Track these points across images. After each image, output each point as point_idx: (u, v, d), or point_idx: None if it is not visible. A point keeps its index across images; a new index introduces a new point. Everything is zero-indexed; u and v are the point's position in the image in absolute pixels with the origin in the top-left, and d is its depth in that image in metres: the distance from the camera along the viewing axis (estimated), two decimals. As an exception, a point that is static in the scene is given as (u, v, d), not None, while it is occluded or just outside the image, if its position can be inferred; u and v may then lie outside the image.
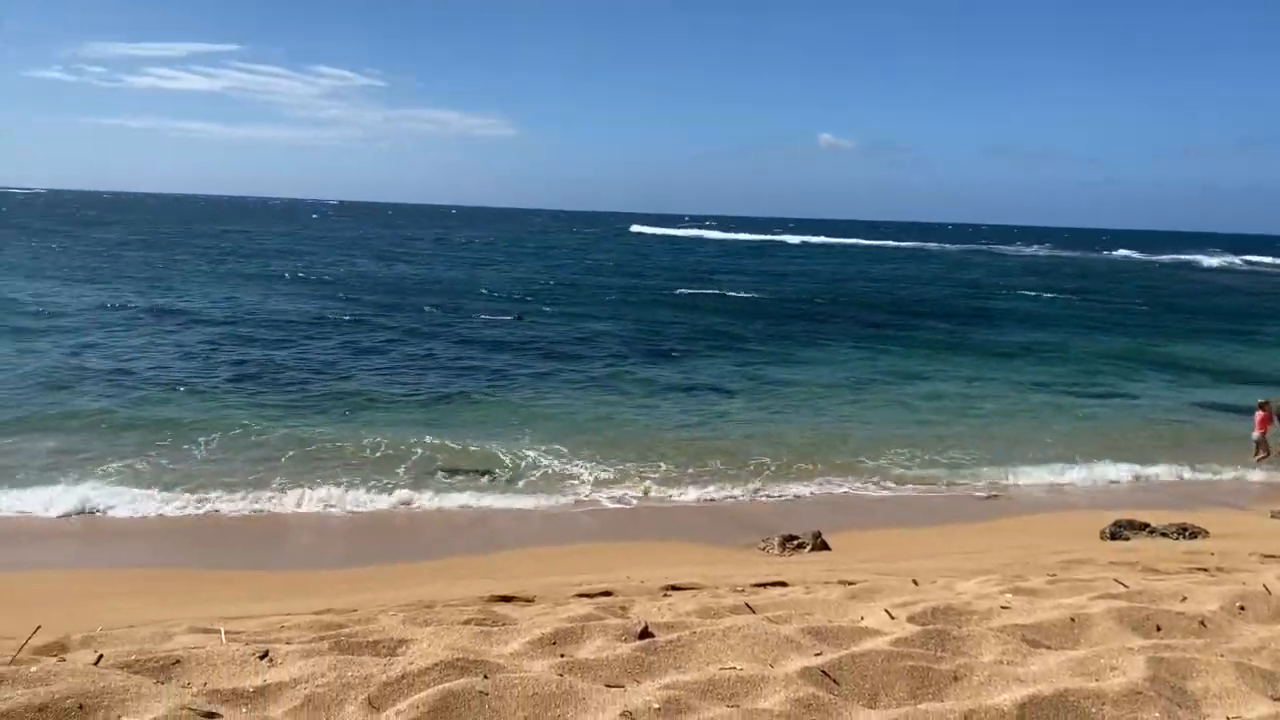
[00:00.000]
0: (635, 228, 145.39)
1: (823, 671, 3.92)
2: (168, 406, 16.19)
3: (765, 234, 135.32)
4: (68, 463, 12.51)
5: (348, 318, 29.65)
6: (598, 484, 13.01)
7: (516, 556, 10.50)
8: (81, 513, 10.39)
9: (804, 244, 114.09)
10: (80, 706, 3.63)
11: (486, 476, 13.09)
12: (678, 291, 42.82)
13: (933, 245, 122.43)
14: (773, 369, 23.22)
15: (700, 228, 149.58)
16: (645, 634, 4.50)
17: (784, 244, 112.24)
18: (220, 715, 3.60)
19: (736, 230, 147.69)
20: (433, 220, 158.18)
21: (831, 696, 3.72)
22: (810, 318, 34.74)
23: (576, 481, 13.06)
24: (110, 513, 10.55)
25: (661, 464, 13.95)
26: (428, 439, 14.94)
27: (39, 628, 4.92)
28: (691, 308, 37.08)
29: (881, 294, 46.83)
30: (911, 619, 4.75)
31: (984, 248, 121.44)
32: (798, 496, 12.98)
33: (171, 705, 3.62)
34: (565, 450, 14.48)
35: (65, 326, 25.02)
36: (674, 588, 7.51)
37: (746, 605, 5.26)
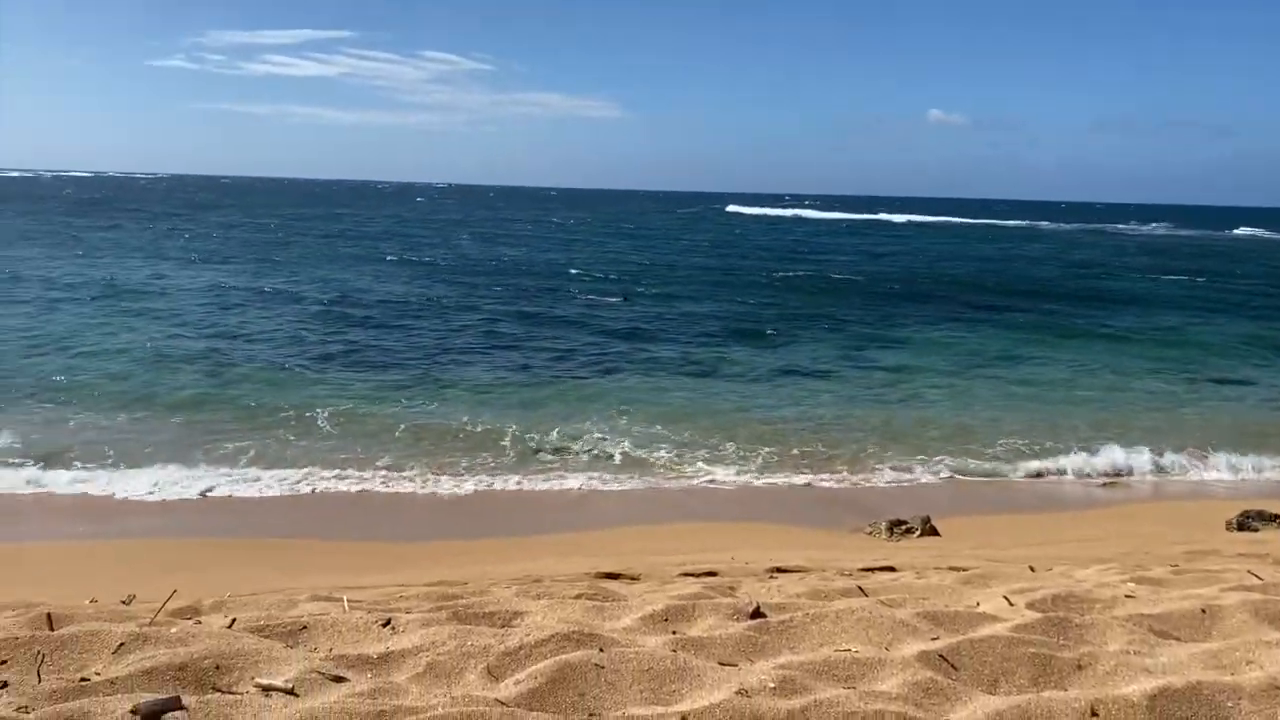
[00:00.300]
0: (731, 207, 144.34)
1: (940, 656, 3.86)
2: (276, 386, 16.74)
3: (867, 213, 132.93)
4: (186, 441, 13.04)
5: (450, 299, 30.21)
6: (698, 466, 13.02)
7: (619, 535, 10.59)
8: (204, 493, 10.83)
9: (908, 223, 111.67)
10: (217, 667, 3.80)
11: (587, 456, 13.22)
12: (776, 273, 42.42)
13: (1044, 224, 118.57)
14: (875, 351, 22.87)
15: (800, 207, 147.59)
16: (757, 614, 4.50)
17: (887, 223, 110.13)
18: (348, 679, 3.73)
19: (838, 209, 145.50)
20: (534, 202, 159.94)
21: (950, 681, 3.66)
22: (913, 298, 34.08)
23: (677, 463, 13.09)
24: (227, 489, 10.97)
25: (762, 446, 13.88)
26: (530, 419, 15.14)
27: (175, 592, 5.16)
28: (790, 289, 36.72)
29: (988, 274, 45.59)
30: (1031, 605, 4.64)
31: (1097, 226, 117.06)
32: (903, 481, 12.77)
33: (301, 668, 3.76)
34: (666, 432, 14.52)
35: (180, 307, 26.07)
36: (780, 570, 7.49)
37: (859, 589, 5.20)
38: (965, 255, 59.23)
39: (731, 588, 5.61)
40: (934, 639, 4.15)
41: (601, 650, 3.85)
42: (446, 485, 11.68)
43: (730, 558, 8.41)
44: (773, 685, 3.55)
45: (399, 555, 9.48)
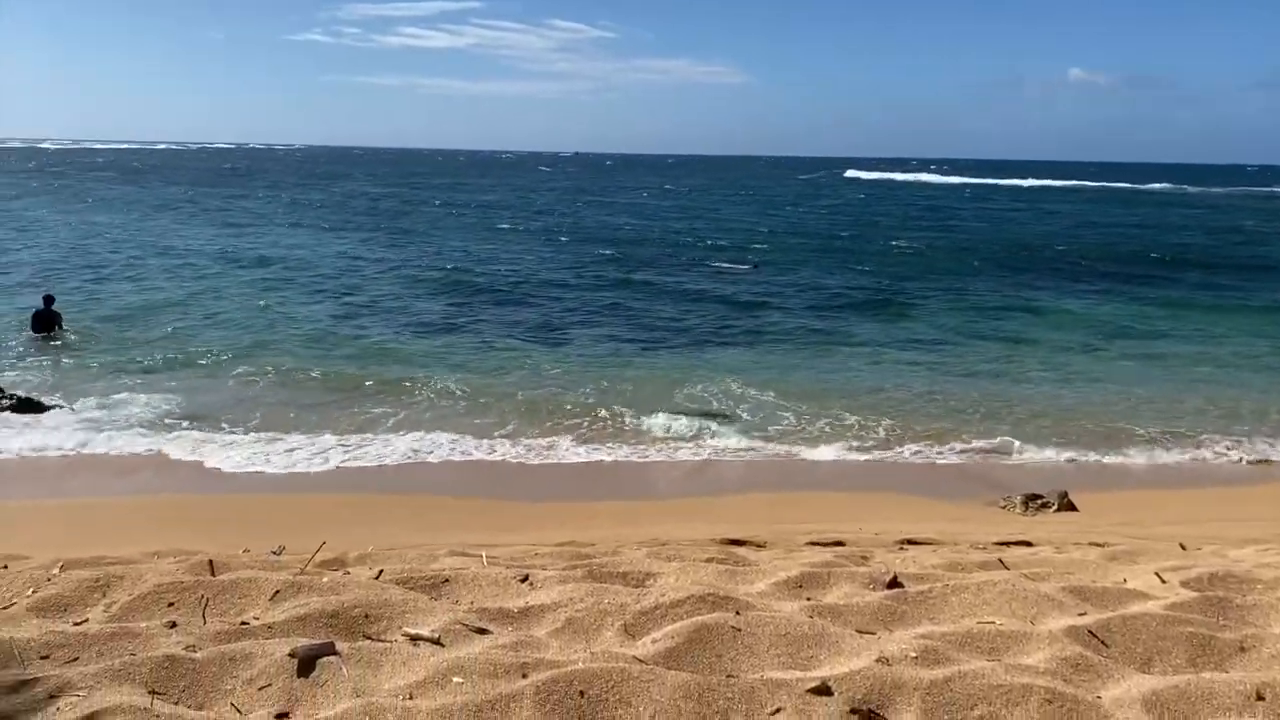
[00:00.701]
0: (850, 172, 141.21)
1: (1090, 632, 3.73)
2: (401, 354, 17.20)
3: (998, 177, 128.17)
4: (321, 406, 13.51)
5: (571, 268, 30.52)
6: (819, 436, 12.86)
7: (742, 502, 10.56)
8: (341, 456, 11.23)
9: (1043, 187, 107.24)
10: (366, 616, 3.95)
11: (712, 423, 13.20)
12: (899, 240, 41.35)
13: (1190, 188, 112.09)
14: (1002, 322, 22.12)
15: (924, 171, 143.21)
16: (894, 583, 4.43)
17: (1015, 187, 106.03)
18: (490, 632, 3.83)
19: (968, 174, 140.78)
20: (654, 170, 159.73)
21: (1100, 658, 3.54)
22: (1043, 267, 32.75)
23: (798, 433, 12.95)
24: (361, 452, 11.35)
25: (885, 418, 13.60)
26: (650, 387, 15.20)
27: (324, 543, 5.37)
28: (913, 256, 35.81)
29: (1126, 241, 43.49)
30: (1185, 584, 4.44)
31: (1254, 190, 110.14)
32: (1035, 456, 12.35)
33: (446, 620, 3.88)
34: (786, 402, 14.37)
35: (311, 276, 26.98)
36: (910, 542, 7.36)
37: (1000, 561, 5.07)
38: (1102, 221, 56.62)
39: (864, 557, 5.53)
40: (1081, 614, 4.02)
41: (738, 613, 3.85)
42: (567, 452, 11.84)
43: (858, 528, 8.31)
44: (914, 654, 3.50)
45: (526, 516, 9.68)
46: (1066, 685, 3.29)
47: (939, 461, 12.08)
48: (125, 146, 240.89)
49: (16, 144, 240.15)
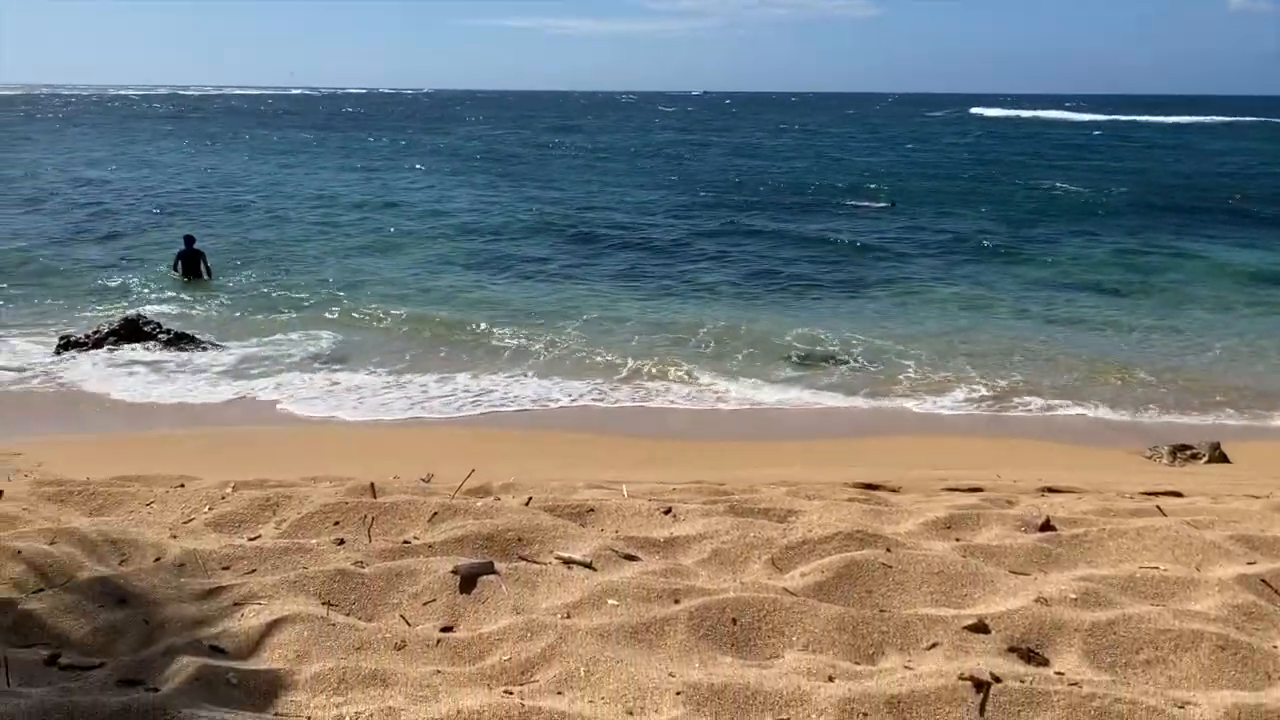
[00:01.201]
0: (976, 109, 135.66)
1: (1262, 580, 3.58)
2: (514, 300, 17.35)
3: (1148, 113, 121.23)
4: (452, 349, 13.81)
5: (704, 207, 30.32)
6: (946, 385, 12.52)
7: (869, 447, 10.43)
8: (476, 394, 11.50)
9: (1196, 124, 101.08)
10: (519, 539, 4.07)
11: (843, 367, 13.03)
12: (1032, 181, 39.62)
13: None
14: (1148, 274, 20.88)
15: (1061, 109, 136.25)
16: (1047, 526, 4.34)
17: (1162, 124, 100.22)
18: (640, 559, 3.90)
19: (1109, 110, 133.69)
20: (781, 108, 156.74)
21: (1275, 607, 3.40)
22: (1197, 211, 30.90)
23: (924, 381, 12.64)
24: (493, 393, 11.57)
25: (1014, 369, 13.15)
26: (787, 328, 15.06)
27: (473, 471, 5.55)
28: (1050, 197, 34.34)
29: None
30: (1365, 537, 4.21)
31: None
32: (1180, 407, 11.80)
33: (596, 545, 3.97)
34: (913, 349, 14.04)
35: (434, 220, 27.46)
36: (1052, 490, 7.16)
37: (1157, 508, 4.89)
38: (1261, 162, 53.03)
39: (1009, 502, 5.41)
40: (1250, 563, 3.86)
41: (888, 550, 3.83)
42: (686, 397, 11.85)
43: (995, 476, 8.11)
44: (1074, 596, 3.43)
45: (651, 455, 9.76)
46: (1239, 633, 3.17)
47: (1073, 413, 11.67)
48: (259, 92, 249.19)
49: (163, 90, 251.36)
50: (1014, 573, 3.74)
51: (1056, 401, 11.84)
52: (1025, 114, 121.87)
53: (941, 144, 66.47)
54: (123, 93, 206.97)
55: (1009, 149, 61.99)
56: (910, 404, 11.86)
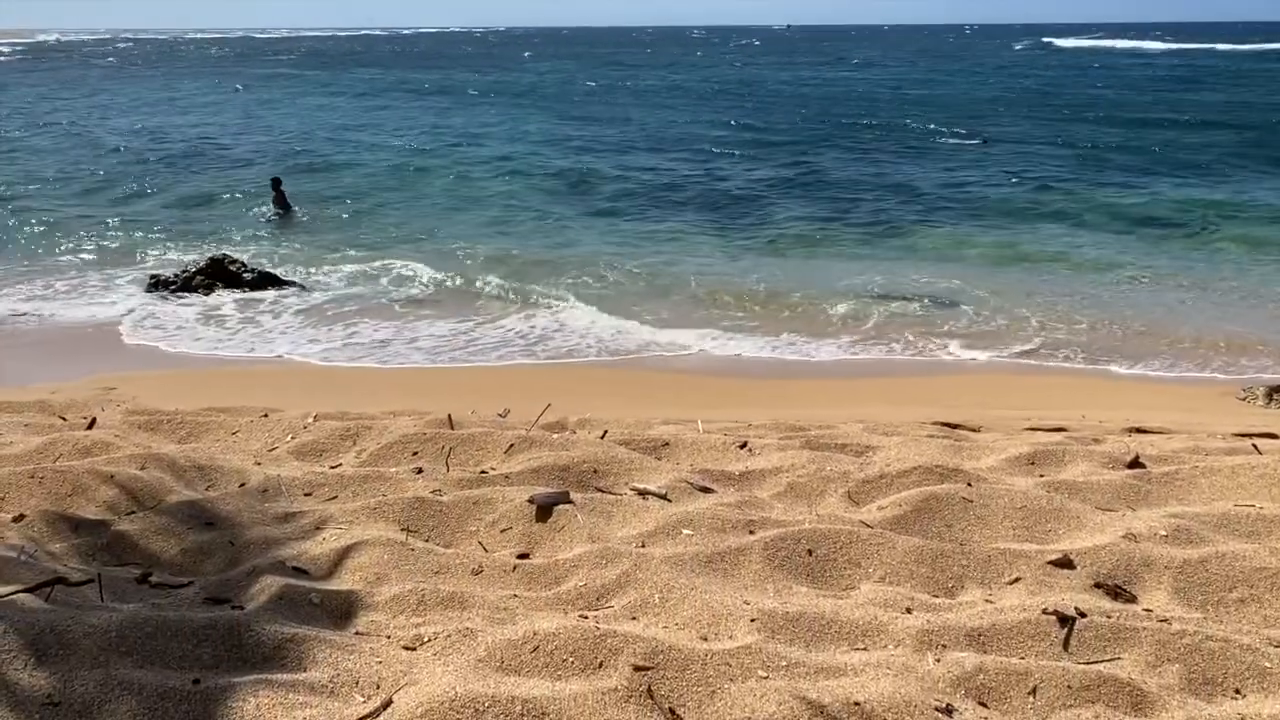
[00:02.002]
0: (1052, 40, 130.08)
1: (1367, 520, 3.42)
2: (580, 239, 17.25)
3: (1245, 41, 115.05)
4: (522, 288, 13.85)
5: (781, 143, 29.79)
6: (1021, 322, 12.16)
7: (947, 385, 10.21)
8: (540, 333, 11.54)
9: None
10: (595, 470, 4.08)
11: (908, 306, 12.73)
12: (1123, 113, 37.94)
13: None
14: (1233, 212, 19.83)
15: (1151, 38, 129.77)
16: (1136, 464, 4.20)
17: (1235, 53, 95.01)
18: (714, 491, 3.88)
19: (1200, 39, 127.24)
20: (834, 44, 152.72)
21: (1380, 548, 3.25)
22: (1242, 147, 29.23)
23: (1010, 330, 12.27)
24: (558, 332, 11.60)
25: (1091, 308, 12.72)
26: (871, 267, 14.74)
27: (549, 405, 5.57)
28: (1139, 124, 32.94)
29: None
30: None
31: None
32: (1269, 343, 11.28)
33: (671, 478, 3.96)
34: (1000, 297, 13.63)
35: (530, 165, 27.44)
36: (1140, 430, 6.94)
37: (1254, 446, 4.71)
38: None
39: (1096, 440, 5.26)
40: (1354, 503, 3.69)
41: (970, 485, 3.75)
42: (758, 338, 11.68)
43: (1081, 416, 7.90)
44: (1164, 534, 3.32)
45: (724, 394, 9.69)
46: (1342, 573, 3.04)
47: (1159, 347, 11.24)
48: (332, 34, 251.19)
49: (240, 33, 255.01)
50: (1101, 509, 3.64)
51: (1144, 349, 11.41)
52: (1106, 43, 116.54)
53: (1034, 78, 64.02)
54: (197, 36, 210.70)
55: (1097, 81, 59.53)
56: (987, 345, 11.57)
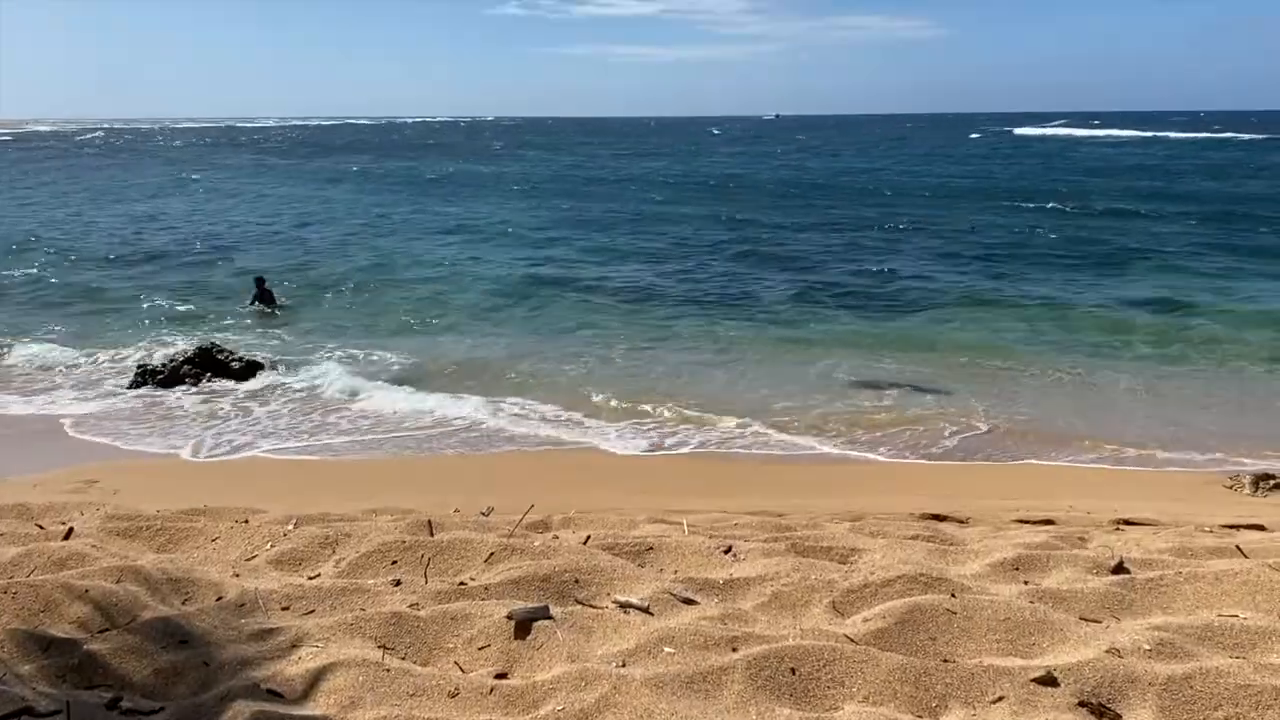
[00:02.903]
0: (1019, 130, 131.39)
1: (1353, 632, 3.40)
2: (572, 317, 17.34)
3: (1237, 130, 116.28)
4: (502, 369, 13.86)
5: (799, 226, 30.09)
6: (1003, 405, 12.19)
7: (934, 472, 10.22)
8: (529, 418, 11.51)
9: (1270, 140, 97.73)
10: (576, 581, 4.04)
11: (900, 391, 12.77)
12: (1112, 204, 38.38)
13: None
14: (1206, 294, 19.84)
15: (1159, 128, 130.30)
16: (1120, 569, 4.18)
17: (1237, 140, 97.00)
18: (698, 602, 3.84)
19: (1173, 128, 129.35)
20: (845, 129, 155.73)
21: (1367, 662, 3.22)
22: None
23: (1002, 405, 12.32)
24: (573, 417, 11.59)
25: (1102, 396, 12.81)
26: (859, 353, 14.77)
27: (532, 506, 5.54)
28: (1130, 215, 33.36)
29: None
30: None
31: None
32: (1273, 439, 11.30)
33: (654, 588, 3.92)
34: (987, 376, 13.70)
35: (524, 246, 27.68)
36: (1128, 522, 6.94)
37: (1237, 549, 4.69)
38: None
39: (1081, 538, 5.25)
40: (1340, 612, 3.67)
41: (953, 595, 3.72)
42: (747, 428, 11.66)
43: (1068, 506, 7.90)
44: (1148, 647, 3.29)
45: (713, 481, 9.66)
46: (1328, 691, 3.01)
47: (1148, 443, 11.26)
48: (329, 123, 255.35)
49: (271, 122, 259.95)
50: (1085, 620, 3.61)
51: (1138, 431, 11.43)
52: (1081, 132, 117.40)
53: (1013, 165, 65.09)
54: (184, 125, 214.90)
55: (1095, 166, 60.52)
56: (979, 427, 11.57)
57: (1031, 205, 36.31)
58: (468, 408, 11.72)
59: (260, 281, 18.26)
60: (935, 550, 4.55)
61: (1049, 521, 7.09)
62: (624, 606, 3.74)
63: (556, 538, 4.71)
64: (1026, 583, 4.11)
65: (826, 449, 10.88)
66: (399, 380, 12.98)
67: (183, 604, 3.88)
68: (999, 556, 4.37)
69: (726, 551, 4.47)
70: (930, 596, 3.69)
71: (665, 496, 8.51)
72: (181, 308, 18.25)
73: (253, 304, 17.86)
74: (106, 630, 3.58)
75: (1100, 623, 3.61)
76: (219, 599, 3.90)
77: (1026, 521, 7.00)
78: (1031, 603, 3.68)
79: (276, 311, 17.80)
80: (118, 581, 3.92)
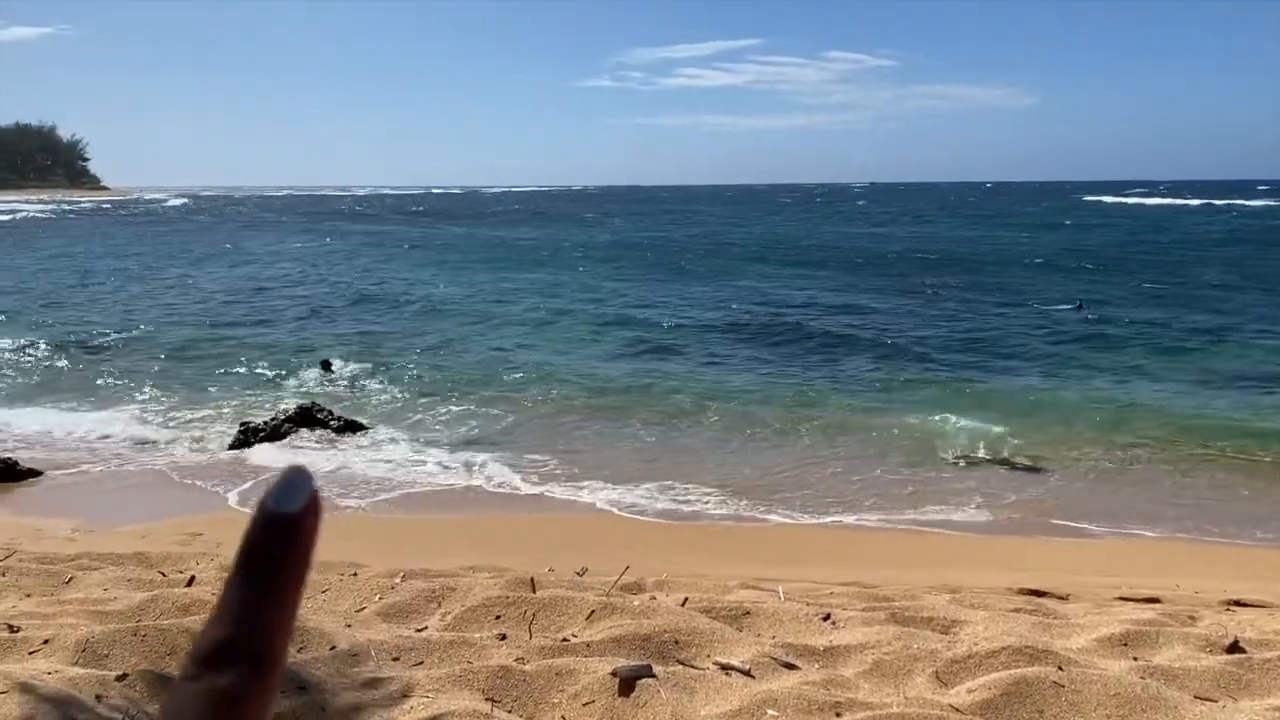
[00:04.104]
0: (1089, 196, 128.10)
1: None
2: (659, 385, 17.42)
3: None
4: (597, 433, 13.98)
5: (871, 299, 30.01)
6: (1104, 474, 11.92)
7: (1029, 546, 9.97)
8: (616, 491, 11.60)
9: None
10: (676, 641, 4.08)
11: (999, 468, 12.53)
12: (1219, 277, 37.01)
13: None
14: None
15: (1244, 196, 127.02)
16: (1235, 648, 4.07)
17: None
18: (799, 667, 3.85)
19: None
20: (937, 196, 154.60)
21: None
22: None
23: (1105, 480, 12.03)
24: (653, 480, 11.65)
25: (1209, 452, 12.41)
26: (957, 421, 14.54)
27: (628, 568, 5.60)
28: (1232, 288, 32.33)
29: None
30: None
31: None
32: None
33: (754, 651, 3.94)
34: (1090, 437, 13.42)
35: (612, 312, 28.02)
36: (1239, 603, 6.70)
37: (1361, 631, 4.52)
38: None
39: (1190, 617, 5.10)
40: None
41: (1060, 668, 3.66)
42: (837, 502, 11.58)
43: (1173, 585, 7.65)
44: (1269, 729, 3.19)
45: (802, 547, 9.60)
46: None
47: (1254, 506, 10.89)
48: (434, 190, 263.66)
49: (363, 191, 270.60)
50: (1199, 698, 3.52)
51: (1245, 503, 11.07)
52: (1150, 201, 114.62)
53: (1099, 235, 63.87)
54: (279, 193, 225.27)
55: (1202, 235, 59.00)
56: (1075, 501, 11.30)
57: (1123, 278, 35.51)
58: (552, 475, 11.89)
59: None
60: (1039, 623, 4.48)
61: (1154, 599, 6.88)
62: (725, 668, 3.76)
63: (654, 599, 4.76)
64: (1136, 659, 4.02)
65: (914, 517, 10.74)
66: (488, 443, 13.22)
67: (298, 652, 4.02)
68: (1106, 631, 4.29)
69: (826, 619, 4.47)
70: (1037, 668, 3.64)
71: (753, 565, 8.49)
72: (280, 369, 18.85)
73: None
74: (228, 674, 3.73)
75: (1216, 702, 3.52)
76: (332, 648, 4.03)
77: (1130, 599, 6.81)
78: (1142, 679, 3.60)
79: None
80: (237, 627, 4.09)
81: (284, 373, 18.05)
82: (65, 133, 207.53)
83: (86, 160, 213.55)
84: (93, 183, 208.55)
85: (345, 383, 17.54)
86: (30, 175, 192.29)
